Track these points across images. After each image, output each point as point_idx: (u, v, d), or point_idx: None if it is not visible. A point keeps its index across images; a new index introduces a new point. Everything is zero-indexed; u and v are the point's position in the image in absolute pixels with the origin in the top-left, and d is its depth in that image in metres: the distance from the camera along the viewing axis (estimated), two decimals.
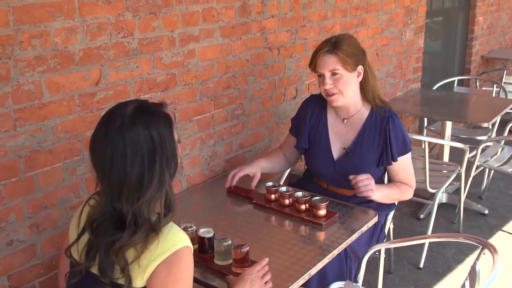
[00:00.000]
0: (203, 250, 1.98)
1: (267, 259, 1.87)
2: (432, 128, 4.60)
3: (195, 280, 1.91)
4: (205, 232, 1.98)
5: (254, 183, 2.50)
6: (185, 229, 1.98)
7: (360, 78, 2.44)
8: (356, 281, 2.39)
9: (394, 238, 3.39)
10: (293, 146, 2.67)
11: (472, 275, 2.02)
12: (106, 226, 1.47)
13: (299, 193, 2.37)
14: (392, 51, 4.29)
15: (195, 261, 1.83)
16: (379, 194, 2.37)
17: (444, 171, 3.80)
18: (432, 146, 4.69)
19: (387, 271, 3.37)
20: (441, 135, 4.25)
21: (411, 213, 4.11)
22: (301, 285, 1.98)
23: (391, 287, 3.24)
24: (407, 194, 2.50)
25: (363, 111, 2.50)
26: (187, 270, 1.49)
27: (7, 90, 1.91)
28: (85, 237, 1.53)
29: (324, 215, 2.28)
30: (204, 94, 2.70)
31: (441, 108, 4.17)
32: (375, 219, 2.35)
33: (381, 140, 2.45)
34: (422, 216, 4.03)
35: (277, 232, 2.24)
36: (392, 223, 3.08)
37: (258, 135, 3.14)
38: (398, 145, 2.44)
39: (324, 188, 2.62)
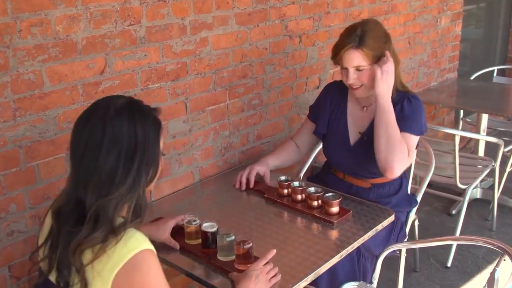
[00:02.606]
0: (206, 245, 1.94)
1: (274, 251, 1.83)
2: (468, 120, 4.42)
3: (195, 278, 1.88)
4: (209, 226, 1.94)
5: (266, 182, 2.47)
6: (188, 223, 1.98)
7: None
8: (371, 282, 2.29)
9: (422, 234, 3.28)
10: (309, 133, 2.60)
11: (491, 283, 1.90)
12: (68, 216, 1.40)
13: (312, 189, 2.29)
14: (426, 39, 4.12)
15: (198, 256, 1.89)
16: (386, 96, 2.25)
17: (479, 166, 3.64)
18: (468, 139, 4.50)
19: (412, 270, 3.26)
20: (477, 128, 4.07)
21: (443, 208, 3.97)
22: (311, 285, 1.92)
23: (415, 286, 3.12)
24: (401, 148, 2.22)
25: None
26: (150, 275, 1.38)
27: (6, 80, 1.89)
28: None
29: (336, 213, 2.20)
30: (218, 83, 2.63)
31: (478, 99, 4.00)
32: (391, 218, 2.25)
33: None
34: (453, 212, 3.89)
35: (288, 228, 2.16)
36: (417, 220, 2.96)
37: (277, 125, 3.06)
38: (406, 120, 2.30)
39: (340, 179, 2.53)
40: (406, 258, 3.16)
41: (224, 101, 2.70)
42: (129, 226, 1.39)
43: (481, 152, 4.11)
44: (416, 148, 2.41)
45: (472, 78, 4.49)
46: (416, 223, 2.98)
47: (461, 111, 4.33)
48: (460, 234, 3.41)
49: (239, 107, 2.80)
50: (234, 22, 2.62)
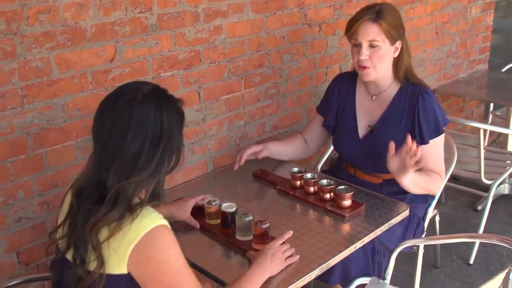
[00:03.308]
0: (225, 224, 1.99)
1: (291, 232, 1.86)
2: (498, 114, 4.28)
3: (199, 269, 1.85)
4: (228, 206, 1.98)
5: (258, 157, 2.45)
6: (208, 203, 2.03)
7: (396, 54, 2.27)
8: (384, 277, 2.23)
9: (445, 230, 3.22)
10: (318, 126, 2.54)
11: (506, 283, 1.83)
12: (89, 196, 1.42)
13: (324, 181, 2.24)
14: (455, 29, 4.00)
15: (217, 236, 1.97)
16: (409, 178, 2.11)
17: (507, 161, 3.52)
18: (498, 133, 4.37)
19: (433, 266, 3.18)
20: (506, 122, 3.94)
21: (468, 203, 3.86)
22: (322, 280, 1.89)
23: (435, 283, 3.05)
24: (437, 184, 2.26)
25: (392, 88, 2.33)
26: (166, 249, 1.41)
27: (13, 67, 1.89)
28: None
29: (349, 206, 2.15)
30: (233, 72, 2.60)
31: (509, 92, 3.87)
32: (406, 213, 2.19)
33: (409, 119, 2.28)
34: (479, 207, 3.77)
35: (299, 221, 2.12)
36: (437, 215, 2.88)
37: (295, 116, 3.01)
38: (429, 126, 2.25)
39: (351, 175, 2.48)
40: (428, 254, 3.13)
41: (239, 90, 2.66)
42: (145, 205, 1.42)
43: (510, 147, 3.98)
44: None
45: (503, 70, 4.34)
46: (437, 218, 2.90)
47: (491, 104, 4.19)
48: (484, 231, 3.31)
49: (255, 97, 2.76)
50: (250, 10, 2.58)
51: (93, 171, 1.43)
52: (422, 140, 2.25)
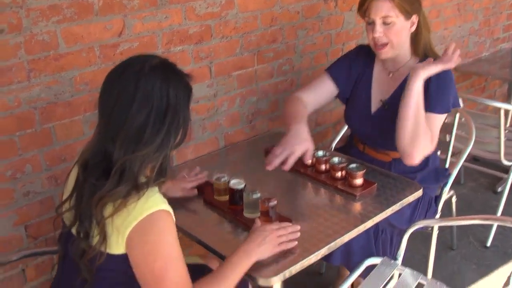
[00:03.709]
0: (233, 201, 1.96)
1: (290, 224, 1.80)
2: None
3: (206, 246, 1.84)
4: (236, 183, 1.95)
5: (307, 158, 2.09)
6: (217, 179, 2.00)
7: (413, 29, 2.19)
8: (395, 258, 2.19)
9: (463, 211, 3.17)
10: (324, 88, 2.38)
11: None
12: (95, 169, 1.42)
13: (335, 159, 2.20)
14: (478, 6, 3.88)
15: (225, 212, 1.94)
16: (424, 75, 2.07)
17: None
18: None
19: (449, 247, 3.13)
20: None
21: (488, 185, 3.79)
22: (323, 259, 1.86)
23: (450, 265, 3.00)
24: (424, 140, 2.09)
25: (410, 64, 2.25)
26: (164, 235, 1.40)
27: (19, 40, 1.88)
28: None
29: (360, 185, 2.10)
30: (245, 47, 2.56)
31: None
32: (419, 193, 2.13)
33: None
34: (499, 189, 3.70)
35: (308, 200, 2.09)
36: (454, 196, 2.83)
37: None
38: (437, 99, 2.15)
39: (361, 152, 2.43)
40: (444, 235, 3.09)
41: (251, 66, 2.62)
42: (152, 184, 1.41)
43: None
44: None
45: None
46: (453, 199, 2.85)
47: None
48: (503, 213, 3.25)
49: (268, 73, 2.71)
50: None
51: (99, 143, 1.42)
52: (427, 108, 2.14)
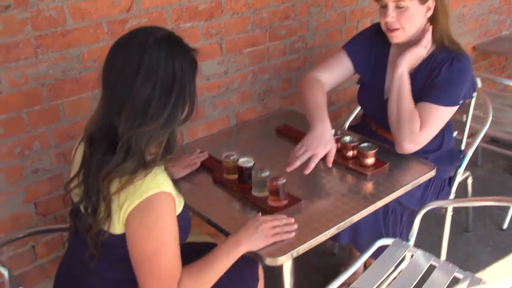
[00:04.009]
0: (242, 179, 1.95)
1: (285, 216, 1.76)
2: None
3: (213, 225, 1.84)
4: (245, 161, 1.94)
5: (330, 160, 2.03)
6: (226, 158, 1.99)
7: (429, 14, 2.11)
8: (407, 239, 2.16)
9: (478, 193, 3.12)
10: (340, 67, 2.32)
11: None
12: (100, 143, 1.40)
13: (347, 138, 2.17)
14: None
15: (234, 191, 1.93)
16: (406, 62, 2.09)
17: None
18: None
19: (464, 229, 3.09)
20: None
21: (506, 167, 3.72)
22: (331, 238, 1.85)
23: (465, 247, 2.96)
24: (410, 128, 2.06)
25: (420, 53, 2.16)
26: (161, 218, 1.39)
27: (26, 16, 1.86)
28: None
29: (371, 164, 2.08)
30: (257, 24, 2.51)
31: None
32: (432, 173, 2.10)
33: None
34: None
35: (319, 178, 2.06)
36: (470, 177, 2.78)
37: None
38: (437, 88, 2.09)
39: (373, 131, 2.39)
40: (459, 217, 3.05)
41: (263, 43, 2.58)
42: (159, 162, 1.40)
43: None
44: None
45: None
46: (469, 180, 2.80)
47: None
48: None
49: (280, 50, 2.67)
50: None
51: (103, 116, 1.40)
52: (421, 97, 2.11)
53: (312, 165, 1.94)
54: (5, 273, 1.63)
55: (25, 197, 2.04)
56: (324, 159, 2.00)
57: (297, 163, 1.94)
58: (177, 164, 2.08)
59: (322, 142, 1.97)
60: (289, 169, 1.94)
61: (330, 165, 2.01)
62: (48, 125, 2.02)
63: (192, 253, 1.58)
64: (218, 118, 2.55)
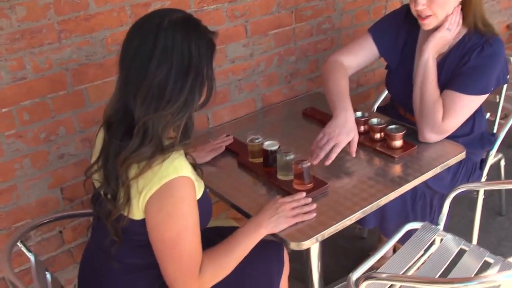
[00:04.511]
0: (267, 163, 1.94)
1: (303, 194, 1.75)
2: None
3: (238, 209, 1.83)
4: (270, 144, 1.93)
5: (353, 149, 1.97)
6: (251, 141, 1.99)
7: None
8: (437, 223, 2.12)
9: (511, 175, 3.03)
10: (365, 50, 2.26)
11: None
12: (118, 127, 1.40)
13: (374, 120, 2.14)
14: None
15: (259, 175, 1.94)
16: (425, 57, 2.04)
17: None
18: None
19: (497, 213, 3.02)
20: None
21: None
22: (356, 222, 1.81)
23: (498, 231, 2.89)
24: (433, 117, 2.02)
25: (457, 35, 2.10)
26: (181, 204, 1.38)
27: (49, 1, 1.86)
28: None
29: (399, 147, 2.04)
30: (282, 5, 2.48)
31: None
32: (461, 155, 2.05)
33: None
34: None
35: (345, 161, 2.03)
36: (503, 160, 2.71)
37: None
38: (465, 76, 2.02)
39: (401, 115, 2.34)
40: (493, 201, 2.98)
41: (289, 24, 2.55)
42: (177, 147, 1.39)
43: None
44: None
45: None
46: (502, 163, 2.73)
47: None
48: None
49: (307, 31, 2.63)
50: None
51: (119, 99, 1.40)
52: (449, 85, 2.05)
53: (333, 156, 1.90)
54: (32, 258, 1.65)
55: (51, 182, 2.07)
56: (347, 148, 1.96)
57: (322, 154, 1.90)
58: (202, 149, 2.08)
59: (345, 131, 1.92)
60: (315, 162, 1.91)
61: (353, 154, 1.96)
62: (73, 110, 2.03)
63: (217, 238, 1.58)
64: (243, 101, 2.53)
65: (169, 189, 1.36)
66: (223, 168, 2.05)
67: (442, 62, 2.09)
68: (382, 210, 2.05)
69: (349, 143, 1.94)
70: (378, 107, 2.67)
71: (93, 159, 1.51)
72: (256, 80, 2.54)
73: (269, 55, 2.54)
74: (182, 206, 1.39)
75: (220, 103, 2.43)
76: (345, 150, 1.97)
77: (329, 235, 1.68)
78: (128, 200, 1.39)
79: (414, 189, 1.99)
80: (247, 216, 1.77)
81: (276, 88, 2.63)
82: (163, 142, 1.38)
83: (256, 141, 1.98)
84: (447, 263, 1.91)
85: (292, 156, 1.84)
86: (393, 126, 2.06)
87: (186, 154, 1.49)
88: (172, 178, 1.36)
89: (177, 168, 1.38)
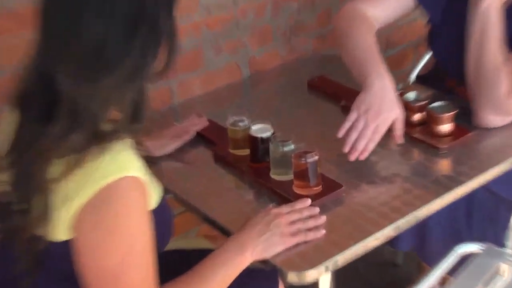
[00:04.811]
0: (256, 156, 1.94)
1: (308, 201, 1.72)
2: None
3: (213, 223, 1.81)
4: (260, 130, 1.93)
5: (399, 133, 1.98)
6: (234, 125, 2.00)
7: None
8: (504, 245, 2.17)
9: None
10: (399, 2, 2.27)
11: None
12: (34, 105, 1.36)
13: (411, 95, 2.13)
14: None
15: (243, 173, 1.95)
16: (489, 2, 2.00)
17: None
18: None
19: None
20: None
21: None
22: (386, 243, 1.82)
23: None
24: (498, 89, 2.02)
25: None
26: (127, 215, 1.34)
27: None
28: None
29: (447, 133, 2.04)
30: None
31: None
32: None
33: None
34: None
35: (369, 155, 1.98)
36: None
37: None
38: None
39: (450, 88, 2.33)
40: None
41: None
42: (122, 134, 1.36)
43: None
44: None
45: None
46: None
47: None
48: None
49: None
50: None
51: (37, 63, 1.36)
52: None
53: (372, 146, 1.88)
54: None
55: None
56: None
57: (362, 143, 1.88)
58: (162, 135, 2.08)
59: (386, 107, 1.91)
60: (353, 157, 1.88)
61: (401, 140, 1.95)
62: None
63: (183, 265, 1.57)
64: (223, 67, 2.55)
65: (109, 196, 1.32)
66: (193, 164, 2.06)
67: (509, 14, 2.11)
68: (422, 225, 2.05)
69: (391, 125, 1.92)
70: (417, 77, 2.69)
71: None
72: (242, 37, 2.55)
73: (261, 2, 2.56)
74: (128, 220, 1.35)
75: (189, 70, 2.44)
76: None
77: (345, 262, 1.65)
78: (47, 213, 1.35)
79: (470, 195, 1.97)
80: (227, 233, 1.75)
81: (270, 48, 2.66)
82: (100, 127, 1.34)
83: (241, 124, 1.98)
84: None
85: (291, 147, 1.83)
86: (438, 104, 2.07)
87: (136, 145, 1.44)
88: (113, 180, 1.31)
89: (121, 165, 1.33)
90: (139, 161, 1.38)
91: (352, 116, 1.91)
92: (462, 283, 1.95)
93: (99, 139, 1.32)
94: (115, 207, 1.33)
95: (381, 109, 1.90)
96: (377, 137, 1.89)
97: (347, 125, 1.91)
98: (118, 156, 1.34)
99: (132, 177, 1.34)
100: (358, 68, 2.03)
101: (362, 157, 1.89)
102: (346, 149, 1.88)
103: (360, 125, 1.89)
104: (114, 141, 1.34)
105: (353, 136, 1.89)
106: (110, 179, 1.31)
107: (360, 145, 1.88)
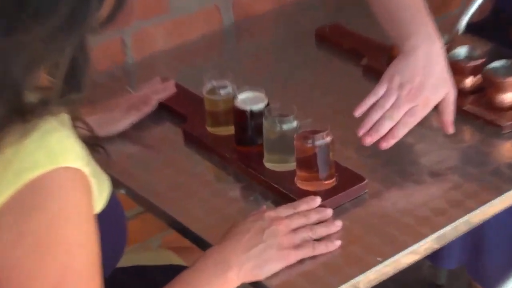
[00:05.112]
0: (244, 137, 1.97)
1: (317, 200, 1.72)
2: None
3: (184, 231, 1.82)
4: (250, 100, 1.94)
5: (449, 115, 1.96)
6: (212, 92, 2.02)
7: None
8: None
9: None
10: None
11: None
12: None
13: (461, 50, 2.16)
14: None
15: (226, 160, 1.98)
16: None
17: None
18: None
19: None
20: None
21: None
22: (429, 259, 1.98)
23: None
24: None
25: None
26: (62, 221, 1.34)
27: None
28: None
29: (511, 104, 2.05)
30: None
31: None
32: None
33: None
34: None
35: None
36: None
37: None
38: None
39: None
40: None
41: None
42: (55, 108, 1.35)
43: None
44: None
45: None
46: None
47: None
48: None
49: None
50: None
51: None
52: None
53: (402, 132, 1.86)
54: None
55: None
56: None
57: (387, 125, 1.85)
58: (112, 107, 2.09)
59: (430, 81, 1.89)
60: (368, 141, 1.85)
61: (450, 128, 1.94)
62: None
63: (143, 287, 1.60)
64: (198, 11, 2.56)
65: (35, 197, 1.32)
66: (154, 147, 2.07)
67: None
68: (476, 235, 2.06)
69: (437, 105, 1.91)
70: (468, 25, 2.71)
71: None
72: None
73: None
74: (63, 231, 1.34)
75: (149, 16, 2.45)
76: None
77: (369, 286, 1.66)
78: None
79: None
80: (202, 245, 1.76)
81: None
82: (24, 98, 1.33)
83: (222, 92, 2.00)
84: None
85: (294, 124, 1.83)
86: (499, 64, 2.07)
87: (75, 122, 1.46)
88: (42, 173, 1.30)
89: (53, 151, 1.33)
90: (79, 145, 1.38)
91: (380, 89, 1.88)
92: None
93: (22, 114, 1.32)
94: (45, 210, 1.32)
95: (424, 86, 1.88)
96: (412, 122, 1.87)
97: (370, 100, 1.88)
98: (49, 139, 1.33)
99: (69, 168, 1.33)
100: (395, 24, 2.01)
101: (385, 146, 1.86)
102: (361, 131, 1.85)
103: (389, 103, 1.87)
104: (43, 117, 1.34)
105: (375, 115, 1.86)
106: (37, 172, 1.30)
107: (384, 127, 1.84)
